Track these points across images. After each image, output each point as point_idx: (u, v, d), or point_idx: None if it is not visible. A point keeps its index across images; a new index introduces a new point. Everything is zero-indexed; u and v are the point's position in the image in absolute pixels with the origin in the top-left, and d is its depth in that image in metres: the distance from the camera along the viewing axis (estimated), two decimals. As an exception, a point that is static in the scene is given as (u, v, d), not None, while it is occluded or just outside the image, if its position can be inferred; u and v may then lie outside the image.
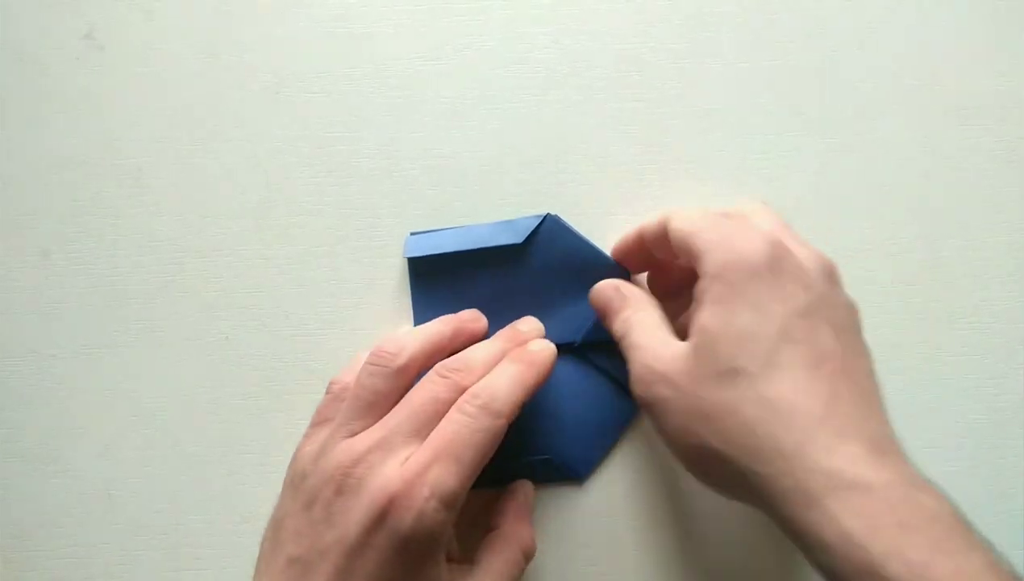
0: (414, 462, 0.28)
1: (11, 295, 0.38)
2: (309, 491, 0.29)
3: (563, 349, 0.35)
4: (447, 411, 0.29)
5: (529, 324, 0.35)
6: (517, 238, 0.36)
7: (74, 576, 0.36)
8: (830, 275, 0.30)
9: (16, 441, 0.37)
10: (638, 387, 0.30)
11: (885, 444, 0.27)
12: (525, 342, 0.33)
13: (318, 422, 0.32)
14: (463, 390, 0.30)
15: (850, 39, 0.39)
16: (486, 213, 0.38)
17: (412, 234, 0.37)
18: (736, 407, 0.27)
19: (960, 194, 0.38)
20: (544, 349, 0.32)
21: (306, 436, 0.32)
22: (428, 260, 0.36)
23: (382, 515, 0.27)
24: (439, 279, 0.36)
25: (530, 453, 0.36)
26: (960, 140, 0.38)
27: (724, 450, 0.27)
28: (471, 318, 0.35)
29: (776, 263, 0.29)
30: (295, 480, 0.30)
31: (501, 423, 0.29)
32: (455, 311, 0.35)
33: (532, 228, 0.36)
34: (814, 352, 0.28)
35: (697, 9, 0.39)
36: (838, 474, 0.25)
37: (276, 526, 0.30)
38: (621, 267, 0.36)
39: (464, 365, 0.31)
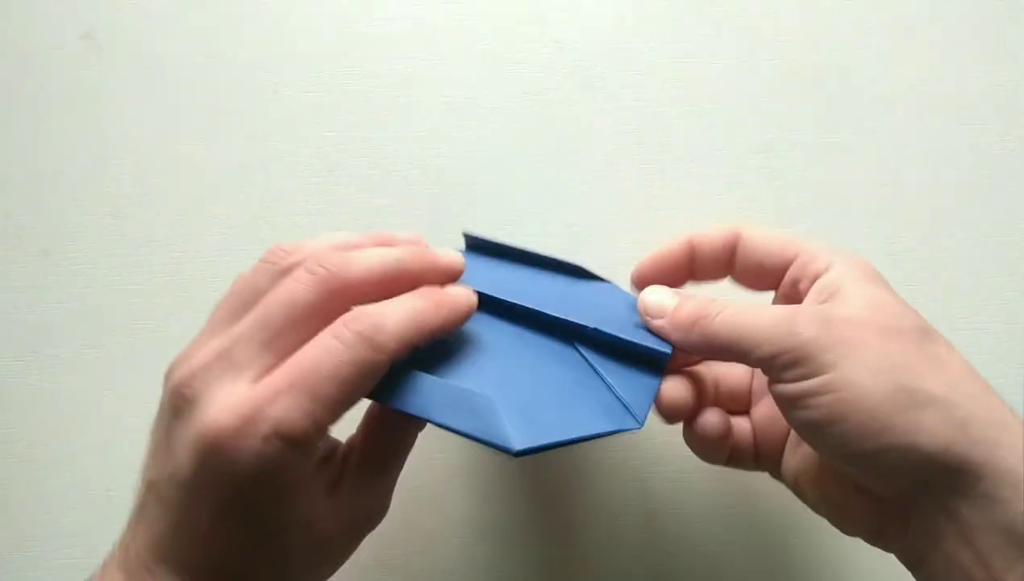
0: (260, 389, 0.23)
1: (11, 295, 0.38)
2: (160, 404, 0.25)
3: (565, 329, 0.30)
4: (310, 321, 0.24)
5: (451, 257, 0.28)
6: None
7: (74, 576, 0.36)
8: None
9: (16, 441, 0.37)
10: (808, 327, 0.25)
11: None
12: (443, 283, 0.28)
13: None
14: (336, 295, 0.25)
15: (850, 39, 0.39)
16: (485, 212, 0.38)
17: (468, 234, 0.33)
18: (948, 359, 0.25)
19: (960, 194, 0.38)
20: (462, 294, 0.27)
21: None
22: (482, 244, 0.33)
23: (211, 451, 0.22)
24: (484, 264, 0.33)
25: (607, 420, 0.28)
26: (960, 140, 0.38)
27: (947, 395, 0.24)
28: (407, 237, 0.29)
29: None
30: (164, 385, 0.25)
31: (380, 359, 0.24)
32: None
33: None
34: None
35: (697, 9, 0.39)
36: None
37: (150, 437, 0.26)
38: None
39: (343, 264, 0.25)
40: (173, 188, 0.38)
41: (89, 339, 0.37)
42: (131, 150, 0.38)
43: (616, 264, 0.36)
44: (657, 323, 0.29)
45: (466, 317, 0.27)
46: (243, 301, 0.25)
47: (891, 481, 0.25)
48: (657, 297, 0.29)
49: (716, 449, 0.30)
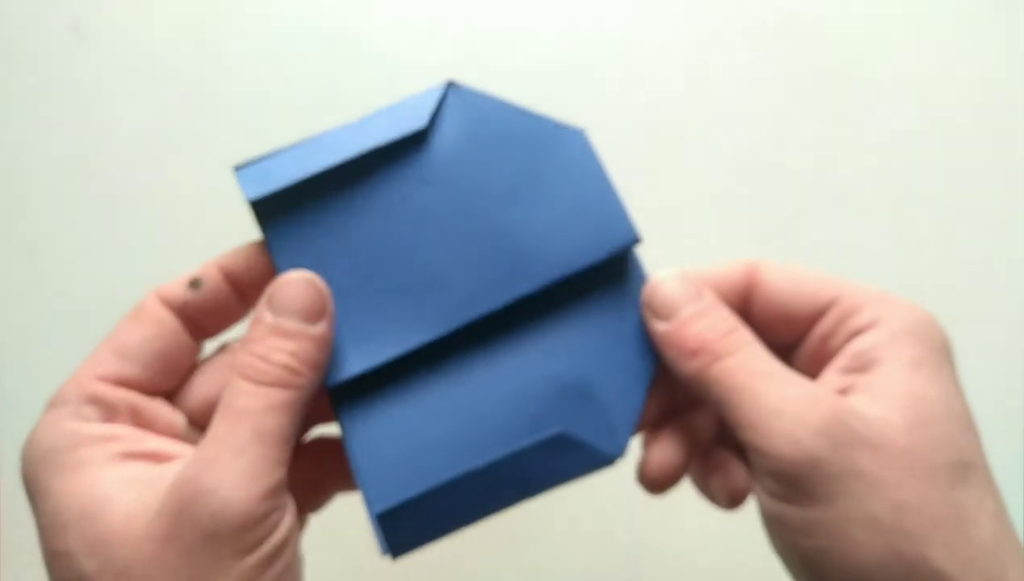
0: None
1: (9, 295, 0.37)
2: None
3: (541, 294, 0.22)
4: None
5: None
6: (418, 122, 0.23)
7: (70, 579, 0.37)
8: None
9: (16, 441, 0.37)
10: (816, 442, 0.19)
11: None
12: None
13: None
14: None
15: (852, 39, 0.39)
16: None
17: (241, 168, 0.24)
18: (976, 516, 0.20)
19: (962, 194, 0.38)
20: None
21: None
22: (284, 199, 0.23)
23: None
24: (311, 227, 0.23)
25: (530, 432, 0.22)
26: (961, 140, 0.38)
27: (953, 573, 0.19)
28: None
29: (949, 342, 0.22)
30: None
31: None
32: (346, 274, 0.22)
33: (434, 105, 0.24)
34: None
35: (698, 9, 0.39)
36: None
37: None
38: (579, 133, 0.25)
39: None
40: (165, 184, 0.38)
41: (89, 339, 0.37)
42: (120, 144, 0.38)
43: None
44: (661, 328, 0.22)
45: None
46: None
47: None
48: (672, 291, 0.23)
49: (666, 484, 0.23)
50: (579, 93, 0.38)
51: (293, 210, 0.23)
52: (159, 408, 0.22)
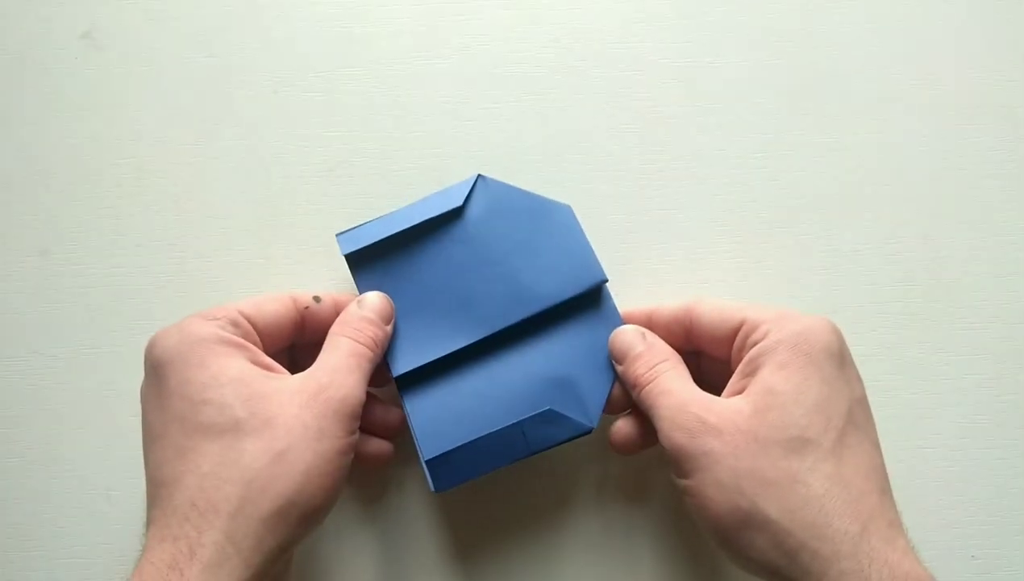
0: None
1: (11, 295, 0.38)
2: None
3: (539, 316, 0.34)
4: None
5: None
6: (455, 202, 0.34)
7: (74, 576, 0.36)
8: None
9: (16, 441, 0.37)
10: (679, 435, 0.29)
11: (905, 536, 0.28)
12: None
13: None
14: None
15: (851, 39, 0.39)
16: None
17: (340, 234, 0.35)
18: (805, 478, 0.27)
19: (961, 194, 0.38)
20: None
21: None
22: (367, 253, 0.34)
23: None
24: (384, 271, 0.34)
25: (530, 409, 0.32)
26: (960, 140, 0.38)
27: (781, 520, 0.26)
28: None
29: (843, 348, 0.30)
30: None
31: None
32: (408, 301, 0.34)
33: (467, 190, 0.34)
34: (871, 440, 0.29)
35: (697, 9, 0.39)
36: (897, 566, 0.26)
37: None
38: (566, 207, 0.35)
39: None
40: (173, 188, 0.38)
41: (89, 339, 0.37)
42: (131, 150, 0.38)
43: (617, 264, 0.36)
44: (618, 368, 0.33)
45: None
46: None
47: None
48: (624, 341, 0.33)
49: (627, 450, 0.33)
50: (570, 100, 0.39)
51: (373, 261, 0.34)
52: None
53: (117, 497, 0.37)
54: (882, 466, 0.29)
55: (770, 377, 0.28)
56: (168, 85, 0.39)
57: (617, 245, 0.37)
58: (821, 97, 0.39)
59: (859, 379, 0.30)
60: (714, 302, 0.32)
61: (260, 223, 0.38)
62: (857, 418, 0.28)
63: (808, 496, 0.26)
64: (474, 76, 0.39)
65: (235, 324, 0.31)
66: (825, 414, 0.28)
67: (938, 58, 0.39)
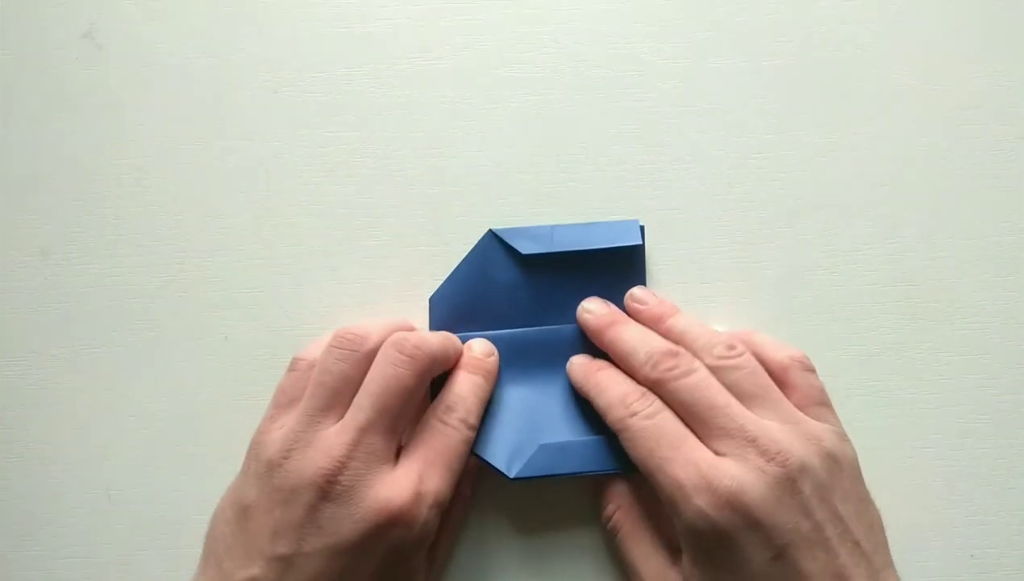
0: (414, 474, 0.29)
1: (11, 295, 0.38)
2: (285, 490, 0.28)
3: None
4: (414, 397, 0.30)
5: (483, 346, 0.34)
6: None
7: (74, 576, 0.36)
8: (798, 471, 0.28)
9: (16, 441, 0.37)
10: None
11: None
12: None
13: (282, 403, 0.32)
14: (423, 374, 0.30)
15: (850, 39, 0.39)
16: (485, 212, 0.38)
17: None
18: None
19: (960, 194, 0.38)
20: (493, 354, 0.34)
21: (269, 418, 0.31)
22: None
23: (386, 526, 0.28)
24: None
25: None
26: (960, 140, 0.38)
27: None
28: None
29: (744, 520, 0.27)
30: (262, 469, 0.30)
31: (473, 435, 0.31)
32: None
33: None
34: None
35: (697, 9, 0.39)
36: None
37: (242, 514, 0.29)
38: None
39: (420, 343, 0.31)
40: (173, 188, 0.38)
41: (89, 339, 0.37)
42: (131, 150, 0.38)
43: (616, 264, 0.36)
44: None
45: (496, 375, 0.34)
46: (333, 390, 0.30)
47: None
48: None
49: None
50: (570, 101, 0.39)
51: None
52: None
53: (117, 497, 0.37)
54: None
55: (688, 566, 0.29)
56: (168, 85, 0.39)
57: (617, 245, 0.37)
58: (821, 97, 0.39)
59: (774, 528, 0.27)
60: (638, 433, 0.30)
61: (260, 223, 0.38)
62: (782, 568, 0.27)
63: None
64: (474, 76, 0.39)
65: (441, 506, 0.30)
66: None
67: (938, 58, 0.39)
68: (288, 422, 0.30)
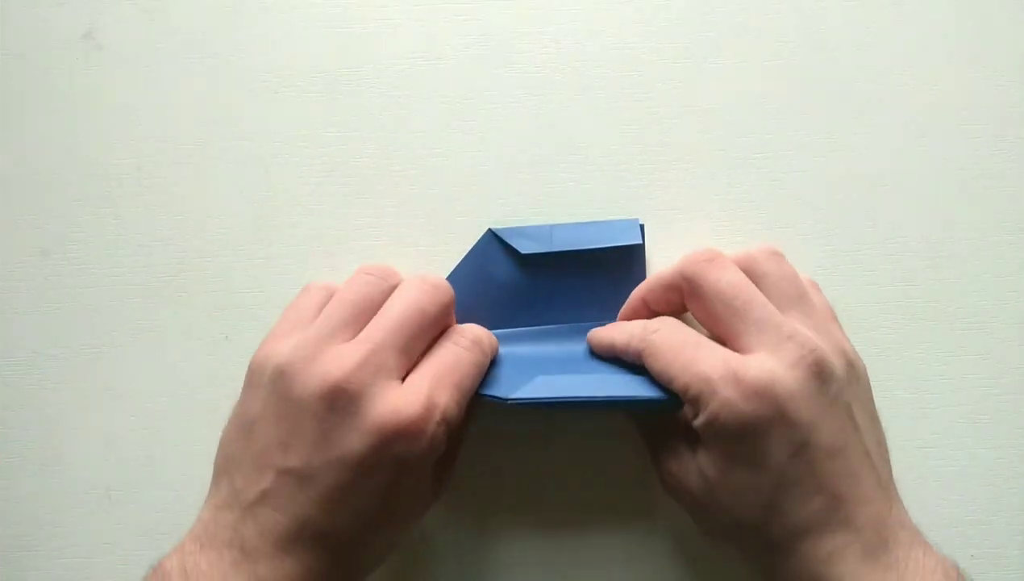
0: (424, 387, 0.28)
1: (11, 295, 0.38)
2: (292, 399, 0.28)
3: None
4: (431, 327, 0.30)
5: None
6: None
7: (74, 576, 0.36)
8: (829, 371, 0.28)
9: (16, 441, 0.37)
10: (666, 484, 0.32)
11: (887, 537, 0.28)
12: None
13: (292, 319, 0.31)
14: (443, 306, 0.31)
15: (850, 39, 0.39)
16: (485, 213, 0.38)
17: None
18: (745, 552, 0.30)
19: (960, 194, 0.38)
20: (495, 341, 0.34)
21: (273, 335, 0.30)
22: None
23: (393, 438, 0.27)
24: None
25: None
26: (960, 140, 0.38)
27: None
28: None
29: (772, 411, 0.27)
30: (266, 379, 0.29)
31: (487, 362, 0.31)
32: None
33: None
34: (812, 484, 0.28)
35: (696, 9, 0.39)
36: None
37: (249, 428, 0.29)
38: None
39: (444, 282, 0.31)
40: (173, 188, 0.38)
41: (89, 339, 0.38)
42: (131, 150, 0.38)
43: (616, 264, 0.36)
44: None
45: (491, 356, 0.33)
46: (359, 309, 0.30)
47: None
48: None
49: None
50: (570, 101, 0.39)
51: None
52: None
53: (117, 497, 0.37)
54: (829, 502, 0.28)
55: (705, 464, 0.29)
56: (168, 85, 0.39)
57: (617, 245, 0.37)
58: (821, 97, 0.39)
59: (792, 426, 0.27)
60: (664, 346, 0.30)
61: (260, 223, 0.38)
62: (790, 476, 0.27)
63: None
64: (474, 76, 0.39)
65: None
66: (750, 493, 0.28)
67: (937, 58, 0.39)
68: (300, 335, 0.29)
